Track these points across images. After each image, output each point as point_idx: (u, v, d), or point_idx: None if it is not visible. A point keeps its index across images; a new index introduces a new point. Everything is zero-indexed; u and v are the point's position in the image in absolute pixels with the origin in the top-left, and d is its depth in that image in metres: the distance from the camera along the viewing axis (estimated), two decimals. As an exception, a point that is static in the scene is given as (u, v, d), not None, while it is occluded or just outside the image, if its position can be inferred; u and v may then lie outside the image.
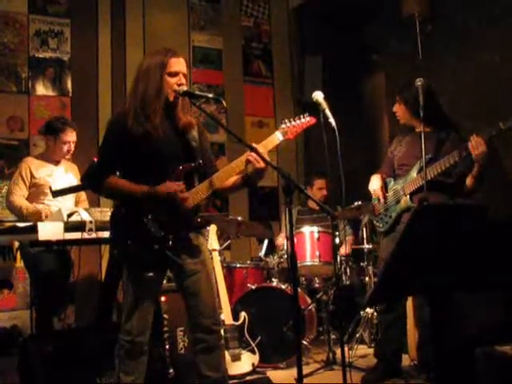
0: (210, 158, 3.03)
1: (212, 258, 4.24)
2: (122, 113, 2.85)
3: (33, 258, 4.03)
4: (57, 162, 4.34)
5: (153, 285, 2.85)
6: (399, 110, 3.87)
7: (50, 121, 4.32)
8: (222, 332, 4.04)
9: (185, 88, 2.80)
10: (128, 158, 2.79)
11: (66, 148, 4.24)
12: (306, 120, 2.95)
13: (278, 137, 2.89)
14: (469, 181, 3.53)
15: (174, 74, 2.78)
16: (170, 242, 2.74)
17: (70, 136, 4.24)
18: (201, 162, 2.87)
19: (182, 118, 2.87)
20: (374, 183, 3.91)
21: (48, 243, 3.50)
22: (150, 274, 2.75)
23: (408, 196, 3.70)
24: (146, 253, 2.74)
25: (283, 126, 2.91)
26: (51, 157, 4.32)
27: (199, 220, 2.91)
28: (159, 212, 2.74)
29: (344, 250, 5.12)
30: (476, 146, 3.32)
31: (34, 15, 5.55)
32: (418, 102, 3.46)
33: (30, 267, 4.18)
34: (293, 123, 2.92)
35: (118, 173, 2.88)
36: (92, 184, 2.94)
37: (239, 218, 4.88)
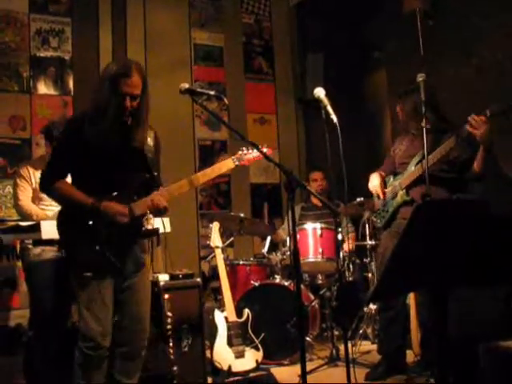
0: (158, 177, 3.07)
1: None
2: (77, 118, 2.91)
3: (30, 266, 4.02)
4: None
5: (96, 287, 2.82)
6: (400, 111, 3.91)
7: (48, 127, 4.17)
8: (227, 329, 4.08)
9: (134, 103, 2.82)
10: (79, 163, 2.83)
11: None
12: (263, 151, 3.03)
13: (231, 162, 3.12)
14: (476, 164, 3.47)
15: (122, 95, 2.77)
16: (111, 248, 2.79)
17: None
18: (155, 174, 2.94)
19: (136, 134, 2.89)
20: (373, 181, 3.96)
21: (51, 242, 3.51)
22: (88, 274, 2.77)
23: (404, 190, 3.73)
24: (87, 253, 2.78)
25: (240, 152, 3.12)
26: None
27: (144, 229, 2.98)
28: (100, 224, 2.80)
29: (347, 247, 5.13)
30: (477, 125, 3.29)
31: (34, 14, 5.55)
32: (416, 108, 3.49)
33: (27, 276, 4.15)
34: (249, 152, 3.14)
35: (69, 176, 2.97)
36: (41, 185, 2.96)
37: (242, 215, 4.88)
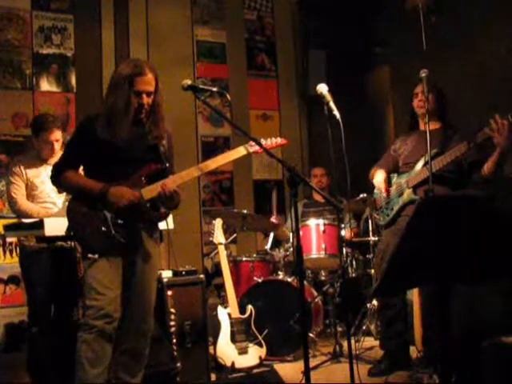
0: (171, 170, 3.08)
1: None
2: (93, 116, 2.95)
3: (25, 262, 3.99)
4: (45, 161, 4.08)
5: (104, 262, 2.86)
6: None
7: (34, 119, 4.19)
8: (230, 325, 4.08)
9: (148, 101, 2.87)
10: (91, 156, 2.90)
11: (49, 147, 4.03)
12: (276, 141, 3.17)
13: (244, 149, 3.08)
14: (486, 167, 3.46)
15: (138, 93, 2.85)
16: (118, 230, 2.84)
17: (54, 135, 4.00)
18: (168, 164, 2.96)
19: (153, 130, 2.95)
20: (378, 176, 3.92)
21: (53, 239, 3.51)
22: (95, 256, 2.84)
23: (411, 189, 3.70)
24: (93, 235, 2.84)
25: (252, 143, 3.05)
26: (39, 156, 4.10)
27: (154, 214, 2.99)
28: (109, 208, 2.85)
29: (348, 235, 5.13)
30: (498, 128, 3.28)
31: (37, 11, 5.55)
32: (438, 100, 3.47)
33: (22, 271, 4.13)
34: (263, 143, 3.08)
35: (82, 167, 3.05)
36: (51, 177, 3.04)
37: (245, 212, 4.87)
